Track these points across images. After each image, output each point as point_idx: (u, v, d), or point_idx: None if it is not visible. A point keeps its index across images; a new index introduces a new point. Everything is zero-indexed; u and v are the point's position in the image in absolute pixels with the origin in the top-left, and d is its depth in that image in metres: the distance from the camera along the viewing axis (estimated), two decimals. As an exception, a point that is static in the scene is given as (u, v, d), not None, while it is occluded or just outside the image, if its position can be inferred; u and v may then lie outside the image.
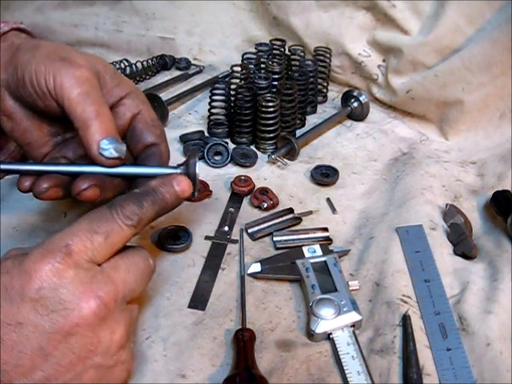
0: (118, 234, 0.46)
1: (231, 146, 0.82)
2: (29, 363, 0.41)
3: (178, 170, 0.55)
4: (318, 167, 0.77)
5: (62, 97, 0.53)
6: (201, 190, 0.72)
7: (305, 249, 0.63)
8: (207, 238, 0.66)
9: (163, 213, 0.50)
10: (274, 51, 0.93)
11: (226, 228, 0.67)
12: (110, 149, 0.52)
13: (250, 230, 0.67)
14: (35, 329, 0.41)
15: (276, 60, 0.88)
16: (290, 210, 0.70)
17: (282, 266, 0.62)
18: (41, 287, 0.42)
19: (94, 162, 0.53)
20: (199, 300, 0.59)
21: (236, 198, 0.72)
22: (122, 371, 0.46)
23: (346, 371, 0.51)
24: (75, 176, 0.54)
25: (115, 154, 0.52)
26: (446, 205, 0.70)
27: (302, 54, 0.93)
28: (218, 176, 0.76)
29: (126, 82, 0.60)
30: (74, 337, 0.42)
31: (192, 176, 0.54)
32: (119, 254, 0.47)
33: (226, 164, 0.78)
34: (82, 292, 0.43)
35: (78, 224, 0.45)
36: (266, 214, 0.70)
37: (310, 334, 0.55)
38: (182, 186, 0.51)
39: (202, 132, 0.83)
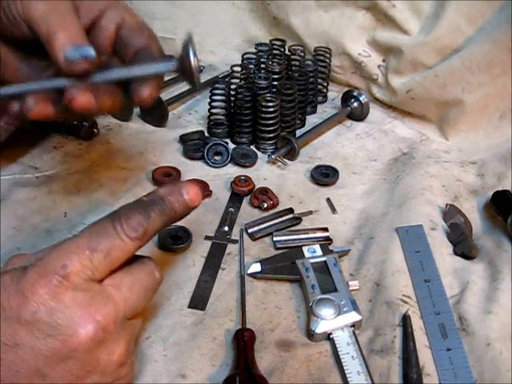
0: (120, 249, 0.44)
1: (231, 145, 0.81)
2: (26, 382, 0.41)
3: (172, 63, 0.50)
4: (317, 167, 0.77)
5: (29, 18, 0.50)
6: (201, 190, 0.72)
7: (305, 249, 0.63)
8: (207, 237, 0.66)
9: (170, 223, 0.48)
10: (274, 51, 0.93)
11: (226, 228, 0.67)
12: (75, 54, 0.48)
13: (250, 230, 0.67)
14: (32, 351, 0.40)
15: (276, 60, 0.88)
16: (290, 210, 0.70)
17: (282, 265, 0.62)
18: (37, 310, 0.40)
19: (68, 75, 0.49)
20: (199, 300, 0.59)
21: (236, 198, 0.72)
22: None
23: (346, 371, 0.51)
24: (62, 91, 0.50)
25: (80, 57, 0.48)
26: (446, 205, 0.70)
27: (301, 53, 0.92)
28: (217, 176, 0.76)
29: None
30: (72, 360, 0.41)
31: (188, 66, 0.49)
32: (123, 269, 0.45)
33: (226, 164, 0.78)
34: (80, 316, 0.41)
35: (77, 240, 0.43)
36: (266, 214, 0.70)
37: (310, 334, 0.55)
38: (192, 194, 0.48)
39: (201, 132, 0.83)
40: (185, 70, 0.49)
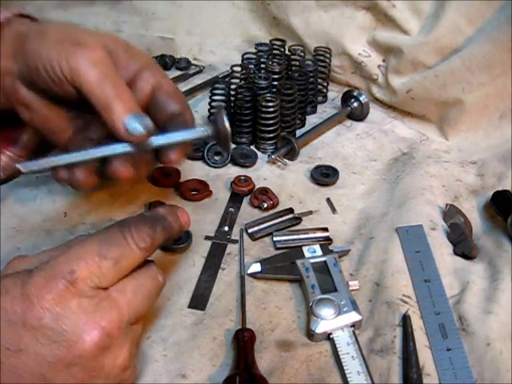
0: (129, 258, 0.44)
1: (231, 146, 0.81)
2: None
3: (207, 129, 0.54)
4: (317, 167, 0.77)
5: (79, 82, 0.52)
6: (201, 190, 0.72)
7: (305, 249, 0.63)
8: (207, 237, 0.66)
9: (168, 240, 0.49)
10: (274, 51, 0.93)
11: (226, 228, 0.67)
12: (136, 125, 0.51)
13: (250, 230, 0.67)
14: (36, 357, 0.40)
15: (276, 60, 0.88)
16: (290, 210, 0.70)
17: (282, 266, 0.62)
18: (42, 316, 0.40)
19: (121, 141, 0.53)
20: (199, 300, 0.59)
21: (236, 198, 0.72)
22: None
23: (346, 371, 0.51)
24: (106, 159, 0.54)
25: (142, 130, 0.51)
26: (446, 205, 0.70)
27: (301, 53, 0.92)
28: (217, 176, 0.76)
29: (140, 54, 0.59)
30: (76, 366, 0.41)
31: (223, 131, 0.53)
32: (127, 275, 0.45)
33: (226, 164, 0.78)
34: (85, 323, 0.41)
35: (86, 246, 0.44)
36: (266, 214, 0.70)
37: (310, 334, 0.55)
38: (185, 218, 0.51)
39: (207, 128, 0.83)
40: (219, 136, 0.54)
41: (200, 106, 0.91)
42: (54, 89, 0.54)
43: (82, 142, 0.57)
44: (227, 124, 0.53)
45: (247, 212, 0.71)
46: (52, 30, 0.55)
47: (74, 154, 0.54)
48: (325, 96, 0.95)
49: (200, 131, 0.54)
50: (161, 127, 0.58)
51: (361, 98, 0.89)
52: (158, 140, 0.54)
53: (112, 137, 0.54)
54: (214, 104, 0.83)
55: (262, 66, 0.89)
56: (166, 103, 0.58)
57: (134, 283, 0.45)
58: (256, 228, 0.67)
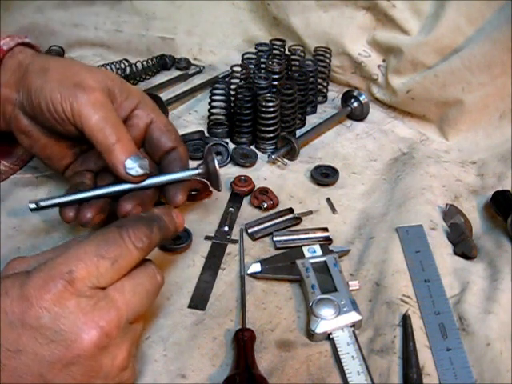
0: (127, 258, 0.45)
1: (231, 145, 0.82)
2: None
3: (199, 171, 0.59)
4: (317, 167, 0.77)
5: (80, 123, 0.55)
6: (201, 190, 0.72)
7: (305, 249, 0.63)
8: (207, 237, 0.66)
9: (164, 241, 0.50)
10: (274, 51, 0.93)
11: (226, 228, 0.67)
12: (135, 167, 0.55)
13: (250, 230, 0.67)
14: (35, 357, 0.40)
15: (276, 60, 0.88)
16: (290, 210, 0.70)
17: (282, 266, 0.62)
18: (41, 316, 0.40)
19: (122, 181, 0.57)
20: (199, 300, 0.59)
21: (236, 198, 0.72)
22: None
23: (346, 371, 0.51)
24: (112, 196, 0.58)
25: (141, 172, 0.56)
26: (446, 205, 0.70)
27: (302, 53, 0.93)
28: (218, 176, 0.76)
29: (134, 92, 0.62)
30: (75, 366, 0.41)
31: (213, 172, 0.58)
32: (125, 275, 0.46)
33: (226, 164, 0.78)
34: (83, 322, 0.41)
35: (84, 246, 0.44)
36: (266, 214, 0.70)
37: (310, 334, 0.55)
38: (180, 219, 0.52)
39: (202, 132, 0.83)
40: (210, 176, 0.59)
41: (200, 106, 0.91)
42: (56, 127, 0.57)
43: (81, 174, 0.61)
44: (217, 165, 0.58)
45: (247, 212, 0.71)
46: (53, 68, 0.57)
47: (80, 194, 0.57)
48: (325, 96, 0.96)
49: (193, 172, 0.59)
50: (156, 162, 0.62)
51: (361, 98, 0.89)
52: (156, 180, 0.59)
53: (109, 170, 0.57)
54: (213, 104, 0.83)
55: (262, 66, 0.89)
56: (159, 139, 0.61)
57: (132, 282, 0.46)
58: (256, 228, 0.67)
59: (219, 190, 0.60)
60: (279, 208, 0.71)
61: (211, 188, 0.63)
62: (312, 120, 0.89)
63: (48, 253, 0.46)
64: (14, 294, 0.41)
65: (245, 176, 0.74)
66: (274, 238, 0.66)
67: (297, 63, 0.91)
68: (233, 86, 0.83)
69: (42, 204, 0.56)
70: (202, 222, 0.68)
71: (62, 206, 0.57)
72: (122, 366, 0.44)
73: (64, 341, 0.41)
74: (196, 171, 0.59)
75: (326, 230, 0.67)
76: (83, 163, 0.63)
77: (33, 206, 0.56)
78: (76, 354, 0.41)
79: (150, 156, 0.62)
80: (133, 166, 0.55)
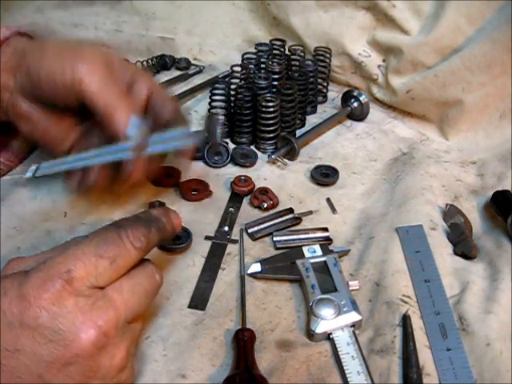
0: (125, 258, 0.45)
1: (231, 145, 0.81)
2: None
3: (203, 134, 0.61)
4: (317, 167, 0.77)
5: (81, 91, 0.54)
6: (201, 190, 0.72)
7: (305, 249, 0.63)
8: (207, 238, 0.66)
9: (161, 242, 0.50)
10: (274, 51, 0.93)
11: (226, 228, 0.67)
12: (136, 129, 0.55)
13: (250, 230, 0.67)
14: (33, 356, 0.40)
15: (276, 60, 0.88)
16: (290, 210, 0.70)
17: (282, 266, 0.62)
18: (39, 316, 0.40)
19: (124, 144, 0.55)
20: (199, 300, 0.59)
21: (236, 198, 0.72)
22: None
23: (346, 371, 0.51)
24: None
25: (140, 134, 0.55)
26: (446, 205, 0.70)
27: (302, 53, 0.92)
28: (217, 176, 0.76)
29: (130, 64, 0.63)
30: (73, 365, 0.41)
31: (213, 134, 0.61)
32: (124, 275, 0.46)
33: (226, 164, 0.78)
34: (82, 322, 0.41)
35: (83, 246, 0.44)
36: (266, 214, 0.70)
37: (310, 334, 0.55)
38: (177, 220, 0.52)
39: (202, 132, 0.83)
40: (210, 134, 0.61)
41: (200, 106, 0.91)
42: (55, 99, 0.56)
43: (83, 150, 0.60)
44: (219, 129, 0.60)
45: (247, 212, 0.71)
46: (51, 44, 0.57)
47: (84, 158, 0.57)
48: (325, 96, 0.95)
49: (198, 136, 0.60)
50: (158, 131, 0.60)
51: (361, 98, 0.89)
52: (159, 147, 0.58)
53: (113, 142, 0.56)
54: (213, 104, 0.83)
55: (262, 65, 0.89)
56: (161, 109, 0.61)
57: (130, 282, 0.45)
58: (256, 228, 0.67)
59: (216, 141, 0.59)
60: (279, 208, 0.71)
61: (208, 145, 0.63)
62: (312, 120, 0.89)
63: (47, 253, 0.46)
64: (12, 294, 0.41)
65: (245, 176, 0.74)
66: (274, 238, 0.66)
67: (297, 63, 0.91)
68: (233, 86, 0.83)
69: (39, 173, 0.56)
70: (202, 222, 0.68)
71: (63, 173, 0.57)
72: (121, 365, 0.44)
73: (62, 340, 0.41)
74: (200, 136, 0.59)
75: (326, 230, 0.67)
76: (86, 142, 0.62)
77: (29, 174, 0.56)
78: (74, 353, 0.41)
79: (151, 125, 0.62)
80: (134, 127, 0.54)
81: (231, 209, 0.70)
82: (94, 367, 0.42)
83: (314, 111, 0.92)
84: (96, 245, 0.44)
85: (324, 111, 0.93)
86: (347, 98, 0.90)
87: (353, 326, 0.55)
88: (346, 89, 0.93)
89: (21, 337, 0.40)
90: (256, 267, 0.61)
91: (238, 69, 0.86)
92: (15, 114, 0.59)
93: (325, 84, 0.95)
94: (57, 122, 0.60)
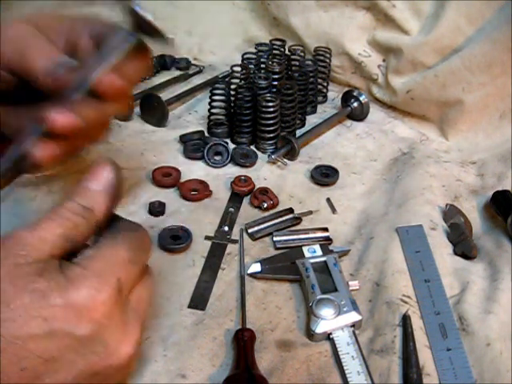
0: (145, 262, 0.44)
1: (231, 146, 0.81)
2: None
3: (126, 30, 0.49)
4: (317, 167, 0.77)
5: (6, 61, 0.48)
6: (201, 190, 0.72)
7: (305, 249, 0.63)
8: (207, 238, 0.66)
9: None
10: (274, 51, 0.93)
11: (226, 228, 0.67)
12: (58, 68, 0.45)
13: (250, 230, 0.67)
14: (68, 365, 0.38)
15: (276, 60, 0.88)
16: (290, 210, 0.70)
17: (282, 266, 0.62)
18: (89, 328, 0.38)
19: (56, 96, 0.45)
20: (199, 300, 0.59)
21: (236, 198, 0.72)
22: None
23: (346, 371, 0.51)
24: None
25: (62, 69, 0.46)
26: (446, 205, 0.70)
27: (302, 53, 0.92)
28: (217, 176, 0.76)
29: (68, 19, 0.54)
30: (101, 375, 0.40)
31: (142, 20, 0.48)
32: (140, 282, 0.44)
33: (226, 164, 0.78)
34: (124, 335, 0.40)
35: (117, 248, 0.41)
36: (266, 214, 0.70)
37: (310, 334, 0.55)
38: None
39: (201, 132, 0.83)
40: (141, 25, 0.48)
41: (200, 106, 0.91)
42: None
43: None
44: (141, 10, 0.47)
45: (247, 212, 0.71)
46: None
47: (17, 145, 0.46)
48: (325, 96, 0.95)
49: (121, 35, 0.48)
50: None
51: (361, 98, 0.89)
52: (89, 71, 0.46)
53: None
54: (213, 104, 0.83)
55: (262, 65, 0.89)
56: (109, 36, 0.51)
57: (147, 290, 0.44)
58: (256, 228, 0.67)
59: (165, 40, 0.48)
60: (279, 208, 0.71)
61: (152, 37, 0.50)
62: (312, 120, 0.89)
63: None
64: (56, 301, 0.37)
65: (245, 176, 0.74)
66: (274, 238, 0.66)
67: (297, 63, 0.91)
68: (233, 86, 0.83)
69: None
70: (202, 222, 0.68)
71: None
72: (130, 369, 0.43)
73: (104, 353, 0.39)
74: (124, 32, 0.48)
75: (326, 230, 0.67)
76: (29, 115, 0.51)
77: None
78: (109, 364, 0.39)
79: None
80: (56, 69, 0.45)
81: (231, 209, 0.70)
82: (116, 377, 0.41)
83: (314, 111, 0.92)
84: (128, 248, 0.42)
85: (324, 111, 0.93)
86: (347, 97, 0.90)
87: (353, 326, 0.55)
88: (346, 89, 0.93)
89: (62, 346, 0.37)
90: (256, 267, 0.61)
91: (238, 69, 0.86)
92: None
93: (325, 84, 0.95)
94: (12, 111, 0.51)
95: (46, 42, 0.49)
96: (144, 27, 0.48)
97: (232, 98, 0.83)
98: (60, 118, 0.44)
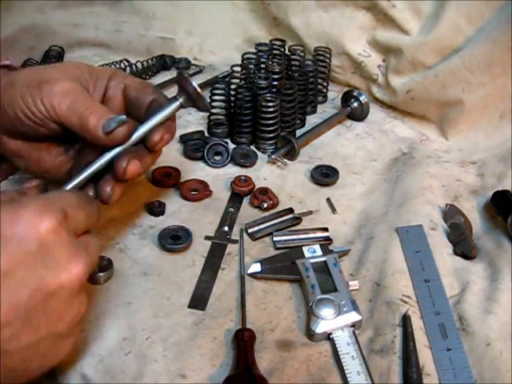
0: (93, 220, 0.48)
1: (231, 146, 0.82)
2: (3, 317, 0.40)
3: (179, 100, 0.57)
4: (317, 167, 0.77)
5: (56, 115, 0.55)
6: (201, 190, 0.72)
7: (305, 249, 0.63)
8: (207, 237, 0.66)
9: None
10: (274, 51, 0.93)
11: (226, 228, 0.67)
12: (111, 124, 0.53)
13: (249, 230, 0.67)
14: (21, 281, 0.40)
15: (276, 60, 0.88)
16: (290, 210, 0.70)
17: (282, 266, 0.62)
18: (40, 242, 0.41)
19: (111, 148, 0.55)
20: (199, 300, 0.59)
21: (236, 198, 0.72)
22: (70, 344, 0.46)
23: (346, 371, 0.51)
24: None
25: (117, 126, 0.54)
26: (446, 205, 0.70)
27: (302, 53, 0.93)
28: (217, 176, 0.76)
29: (103, 70, 0.62)
30: (54, 298, 0.42)
31: (194, 94, 0.55)
32: (87, 235, 0.48)
33: (226, 164, 0.78)
34: (73, 255, 0.43)
35: (68, 194, 0.48)
36: (266, 214, 0.70)
37: (310, 334, 0.55)
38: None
39: (201, 132, 0.83)
40: (193, 99, 0.56)
41: (200, 106, 0.91)
42: (37, 131, 0.56)
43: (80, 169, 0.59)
44: (196, 86, 0.55)
45: (247, 212, 0.71)
46: (19, 77, 0.57)
47: (82, 174, 0.56)
48: (325, 96, 0.96)
49: (173, 106, 0.56)
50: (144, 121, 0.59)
51: (361, 98, 0.89)
52: (140, 130, 0.56)
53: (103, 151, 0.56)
54: (213, 104, 0.83)
55: (262, 66, 0.89)
56: (138, 98, 0.60)
57: (94, 241, 0.48)
58: (256, 228, 0.67)
59: (208, 110, 0.58)
60: (279, 208, 0.71)
61: (199, 109, 0.59)
62: (312, 120, 0.89)
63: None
64: (5, 214, 0.41)
65: (245, 176, 0.74)
66: (274, 238, 0.66)
67: (297, 63, 0.91)
68: (233, 86, 0.83)
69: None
70: (202, 222, 0.68)
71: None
72: (81, 319, 0.45)
73: (55, 269, 0.42)
74: (176, 103, 0.57)
75: (326, 230, 0.67)
76: (81, 162, 0.61)
77: None
78: (61, 283, 0.42)
79: (137, 119, 0.59)
80: (109, 125, 0.53)
81: (231, 209, 0.70)
82: (68, 306, 0.43)
83: (314, 111, 0.92)
84: (78, 198, 0.47)
85: (324, 111, 0.93)
86: (347, 97, 0.90)
87: (353, 326, 0.55)
88: (346, 89, 0.93)
89: (14, 257, 0.40)
90: (256, 267, 0.61)
91: (238, 69, 0.86)
92: (6, 152, 0.60)
93: (325, 84, 0.95)
94: (48, 151, 0.60)
95: (95, 101, 0.57)
96: (192, 96, 0.56)
97: (232, 98, 0.83)
98: (132, 167, 0.55)
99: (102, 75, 0.60)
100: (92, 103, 0.55)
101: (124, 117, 0.54)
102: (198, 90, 0.55)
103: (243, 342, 0.52)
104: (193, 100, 0.56)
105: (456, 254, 0.64)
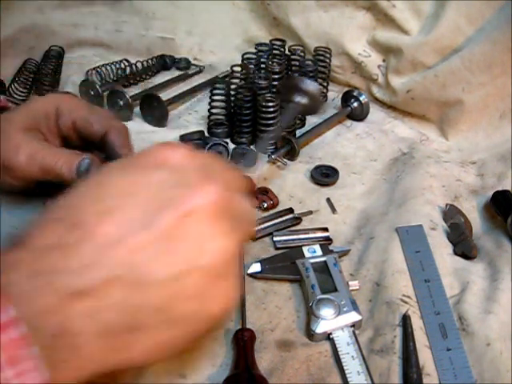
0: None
1: (231, 146, 0.81)
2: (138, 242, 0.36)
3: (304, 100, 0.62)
4: (317, 167, 0.77)
5: (30, 174, 0.60)
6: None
7: (305, 249, 0.63)
8: (207, 237, 0.66)
9: None
10: (274, 51, 0.93)
11: (226, 228, 0.67)
12: (84, 165, 0.58)
13: (249, 230, 0.67)
14: (147, 195, 0.37)
15: (276, 60, 0.88)
16: (290, 210, 0.70)
17: (282, 265, 0.62)
18: (174, 163, 0.39)
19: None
20: (199, 300, 0.58)
21: (236, 198, 0.72)
22: (224, 289, 0.39)
23: (346, 371, 0.51)
24: None
25: (87, 166, 0.58)
26: (446, 205, 0.70)
27: (302, 53, 0.92)
28: (217, 176, 0.76)
29: (49, 112, 0.64)
30: (190, 219, 0.37)
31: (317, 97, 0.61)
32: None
33: (226, 164, 0.78)
34: (205, 177, 0.39)
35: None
36: (266, 214, 0.70)
37: (310, 334, 0.55)
38: None
39: (201, 132, 0.83)
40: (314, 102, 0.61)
41: (200, 106, 0.91)
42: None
43: None
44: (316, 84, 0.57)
45: (247, 212, 0.70)
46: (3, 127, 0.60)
47: None
48: (325, 96, 0.95)
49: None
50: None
51: (361, 98, 0.89)
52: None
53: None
54: (213, 104, 0.83)
55: (262, 65, 0.89)
56: (91, 135, 0.64)
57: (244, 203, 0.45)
58: (256, 228, 0.67)
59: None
60: (279, 208, 0.71)
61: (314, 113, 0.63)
62: (312, 120, 0.89)
63: None
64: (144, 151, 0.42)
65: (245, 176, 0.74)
66: (274, 238, 0.66)
67: (297, 63, 0.91)
68: (233, 86, 0.83)
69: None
70: (202, 221, 0.68)
71: None
72: (231, 254, 0.39)
73: (188, 189, 0.38)
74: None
75: (326, 230, 0.67)
76: None
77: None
78: (196, 204, 0.37)
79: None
80: (82, 167, 0.58)
81: (231, 209, 0.70)
82: (207, 235, 0.38)
83: (314, 111, 0.92)
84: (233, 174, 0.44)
85: (324, 111, 0.93)
86: (347, 98, 0.90)
87: (353, 325, 0.55)
88: (346, 89, 0.93)
89: (142, 180, 0.39)
90: (256, 267, 0.61)
91: (238, 69, 0.86)
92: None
93: (325, 84, 0.95)
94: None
95: (56, 150, 0.61)
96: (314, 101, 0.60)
97: (232, 98, 0.83)
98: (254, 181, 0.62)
99: (49, 116, 0.64)
100: (53, 152, 0.60)
101: (88, 159, 0.59)
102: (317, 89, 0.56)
103: (243, 341, 0.52)
104: (313, 100, 0.57)
105: (456, 254, 0.64)
